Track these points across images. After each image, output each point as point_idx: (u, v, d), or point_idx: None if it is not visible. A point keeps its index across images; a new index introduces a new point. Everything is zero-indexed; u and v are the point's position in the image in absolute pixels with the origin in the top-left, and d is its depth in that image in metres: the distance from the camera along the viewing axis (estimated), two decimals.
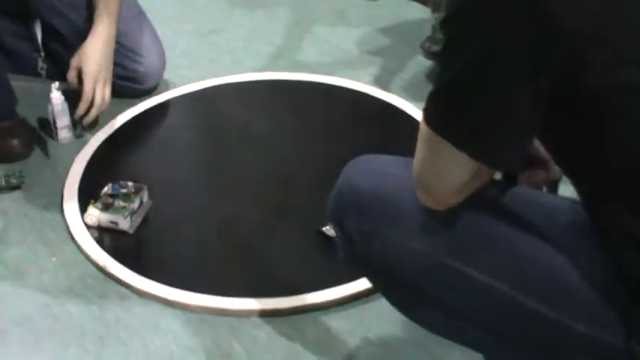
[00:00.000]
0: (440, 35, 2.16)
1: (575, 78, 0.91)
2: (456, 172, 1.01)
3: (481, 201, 1.07)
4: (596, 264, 1.01)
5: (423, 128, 1.01)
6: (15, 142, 1.96)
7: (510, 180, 1.18)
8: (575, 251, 1.03)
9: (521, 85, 0.93)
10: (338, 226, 1.16)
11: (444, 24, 0.97)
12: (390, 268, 1.11)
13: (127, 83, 2.10)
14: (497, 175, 1.15)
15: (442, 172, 1.02)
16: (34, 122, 2.07)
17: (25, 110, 2.04)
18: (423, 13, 2.27)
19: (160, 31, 2.51)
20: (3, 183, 1.84)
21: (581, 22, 0.89)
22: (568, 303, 1.02)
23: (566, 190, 1.11)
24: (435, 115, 0.99)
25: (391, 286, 1.17)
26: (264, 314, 1.53)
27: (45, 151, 1.98)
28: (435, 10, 2.23)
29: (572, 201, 1.08)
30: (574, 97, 0.93)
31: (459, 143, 0.97)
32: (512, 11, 0.91)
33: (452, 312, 1.09)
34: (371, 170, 1.15)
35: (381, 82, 2.26)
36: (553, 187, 1.21)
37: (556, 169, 1.21)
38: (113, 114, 2.09)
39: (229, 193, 1.85)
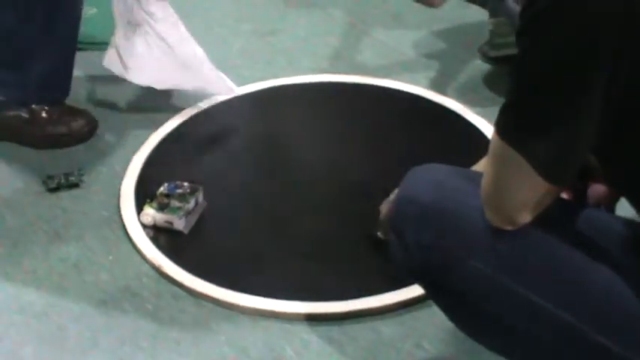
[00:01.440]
0: (498, 40, 2.14)
1: None
2: (526, 188, 0.99)
3: (551, 223, 1.04)
4: None
5: (495, 140, 0.99)
6: (81, 122, 1.98)
7: (580, 199, 1.15)
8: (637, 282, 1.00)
9: (596, 95, 0.91)
10: (397, 236, 1.14)
11: (519, 34, 0.95)
12: (448, 284, 1.09)
13: None
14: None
15: (513, 187, 1.00)
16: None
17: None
18: (482, 15, 2.24)
19: (217, 31, 2.54)
20: (62, 181, 1.87)
21: None
22: (636, 338, 0.99)
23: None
24: (507, 126, 0.98)
25: (447, 300, 1.15)
26: (317, 318, 1.53)
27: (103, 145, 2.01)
28: (492, 16, 2.20)
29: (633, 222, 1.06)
30: None
31: (528, 153, 0.95)
32: (600, 14, 0.89)
33: (510, 335, 1.07)
34: (434, 181, 1.12)
35: (437, 86, 2.25)
36: (613, 201, 1.19)
37: None
38: (169, 113, 2.11)
39: (284, 195, 1.85)
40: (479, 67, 2.27)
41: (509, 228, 1.03)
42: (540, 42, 0.93)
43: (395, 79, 2.26)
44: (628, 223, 1.08)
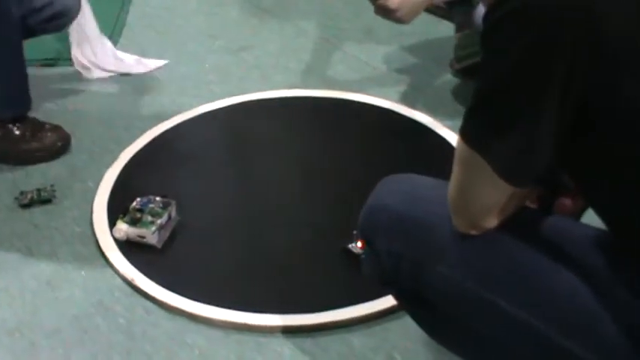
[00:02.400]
0: (461, 52, 2.17)
1: (612, 90, 0.91)
2: (492, 192, 1.01)
3: (516, 230, 1.05)
4: (629, 303, 0.99)
5: (459, 145, 1.01)
6: (54, 137, 1.99)
7: (545, 209, 1.17)
8: (609, 289, 1.01)
9: (554, 98, 0.92)
10: (368, 245, 1.16)
11: (482, 38, 0.97)
12: (418, 291, 1.11)
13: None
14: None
15: (477, 191, 1.02)
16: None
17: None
18: (452, 30, 2.28)
19: (190, 47, 2.55)
20: (35, 197, 1.87)
21: (623, 29, 0.90)
22: (601, 343, 1.00)
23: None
24: (471, 131, 0.99)
25: (418, 308, 1.16)
26: (289, 330, 1.54)
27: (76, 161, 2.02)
28: (458, 30, 2.24)
29: (604, 231, 1.08)
30: (609, 112, 0.92)
31: (491, 156, 0.97)
32: (560, 19, 0.90)
33: (479, 341, 1.08)
34: (404, 191, 1.14)
35: (408, 100, 2.27)
36: (578, 216, 1.20)
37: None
38: (142, 128, 2.12)
39: (256, 209, 1.86)
40: (449, 81, 2.30)
41: (475, 232, 1.05)
42: (501, 46, 0.95)
43: (366, 93, 2.29)
44: (591, 229, 1.10)
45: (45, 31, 2.08)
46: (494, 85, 0.96)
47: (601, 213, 1.02)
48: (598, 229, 1.09)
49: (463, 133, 1.00)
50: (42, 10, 1.99)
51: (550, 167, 1.01)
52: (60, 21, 2.06)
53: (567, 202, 1.20)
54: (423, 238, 1.09)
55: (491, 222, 1.04)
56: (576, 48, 0.90)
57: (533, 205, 1.21)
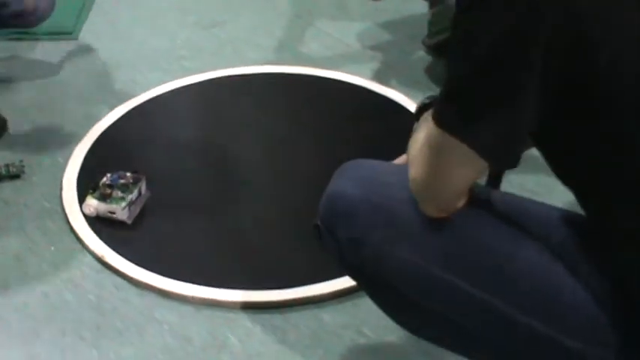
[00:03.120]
0: (434, 28, 2.17)
1: (590, 68, 0.91)
2: (466, 174, 1.00)
3: (475, 210, 1.06)
4: (591, 278, 1.01)
5: (433, 131, 0.98)
6: None
7: (495, 179, 1.18)
8: (572, 265, 1.02)
9: (533, 80, 0.92)
10: (328, 232, 1.15)
11: (455, 20, 0.95)
12: (380, 277, 1.11)
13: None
14: None
15: (453, 175, 1.01)
16: None
17: None
18: (425, 8, 2.27)
19: (161, 22, 2.53)
20: (3, 172, 1.85)
21: (597, 4, 0.89)
22: (561, 319, 1.01)
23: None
24: (448, 116, 0.97)
25: (381, 293, 1.17)
26: (260, 307, 1.54)
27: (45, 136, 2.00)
28: (432, 6, 2.23)
29: (563, 210, 1.08)
30: (585, 90, 0.92)
31: (471, 140, 0.96)
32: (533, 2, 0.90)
33: (442, 322, 1.09)
34: (363, 178, 1.13)
35: (381, 77, 2.27)
36: (496, 178, 1.21)
37: None
38: (113, 104, 2.10)
39: (227, 185, 1.86)
40: (422, 58, 2.30)
41: (444, 214, 1.05)
42: (477, 28, 0.93)
43: (339, 70, 2.28)
44: (548, 206, 1.11)
45: (16, 26, 2.05)
46: (471, 68, 0.95)
47: (575, 191, 1.02)
48: (556, 207, 1.10)
49: (439, 119, 0.98)
50: (8, 5, 1.96)
51: None
52: (29, 18, 2.02)
53: None
54: (384, 223, 1.09)
55: (461, 202, 1.05)
56: (554, 27, 0.90)
57: None
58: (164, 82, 2.21)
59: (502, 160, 0.99)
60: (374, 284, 1.15)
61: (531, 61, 0.91)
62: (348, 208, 1.11)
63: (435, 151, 1.00)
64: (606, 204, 0.98)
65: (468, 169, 0.99)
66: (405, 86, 2.22)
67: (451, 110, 0.97)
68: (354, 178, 1.13)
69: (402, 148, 1.32)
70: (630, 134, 0.93)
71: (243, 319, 1.52)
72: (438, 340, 1.18)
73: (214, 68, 2.28)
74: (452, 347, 1.17)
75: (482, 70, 0.93)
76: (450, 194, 1.03)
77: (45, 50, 2.29)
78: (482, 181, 1.20)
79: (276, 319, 1.52)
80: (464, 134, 0.96)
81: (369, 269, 1.11)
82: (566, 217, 1.08)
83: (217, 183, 1.88)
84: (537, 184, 1.78)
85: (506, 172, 1.26)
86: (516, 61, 0.92)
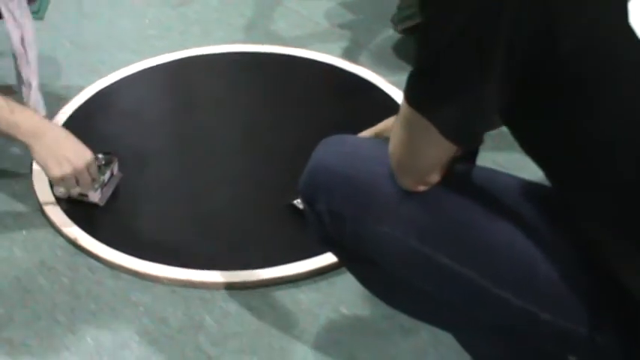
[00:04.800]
0: (403, 13, 2.18)
1: (551, 48, 0.91)
2: (437, 152, 1.01)
3: (453, 184, 1.07)
4: (565, 252, 1.02)
5: (404, 107, 1.00)
6: None
7: (471, 155, 1.19)
8: (544, 238, 1.03)
9: (499, 60, 0.93)
10: (309, 206, 1.16)
11: (422, 3, 0.96)
12: (359, 250, 1.12)
13: None
14: None
15: (423, 151, 1.02)
16: None
17: None
18: None
19: (129, 2, 2.50)
20: None
21: None
22: (534, 291, 1.03)
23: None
24: (416, 94, 0.99)
25: (361, 267, 1.18)
26: (235, 287, 1.55)
27: None
28: None
29: (537, 184, 1.10)
30: (549, 72, 0.93)
31: (437, 120, 0.97)
32: None
33: (422, 297, 1.10)
34: (344, 152, 1.14)
35: (350, 55, 2.27)
36: (472, 154, 1.23)
37: None
38: (82, 85, 2.08)
39: (200, 165, 1.85)
40: (391, 36, 2.30)
41: (421, 189, 1.06)
42: (444, 9, 0.94)
43: (309, 48, 2.27)
44: (523, 180, 1.12)
45: None
46: (437, 48, 0.96)
47: (541, 166, 1.04)
48: (530, 181, 1.12)
49: (408, 97, 1.00)
50: None
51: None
52: None
53: None
54: (364, 196, 1.10)
55: (436, 178, 1.06)
56: (517, 15, 0.91)
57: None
58: (133, 62, 2.19)
59: (464, 140, 1.01)
60: (353, 257, 1.17)
61: (494, 46, 0.92)
62: (328, 182, 1.12)
63: (407, 127, 1.02)
64: (567, 181, 1.00)
65: (436, 146, 1.00)
66: (373, 64, 2.22)
67: (417, 87, 0.99)
68: (335, 152, 1.14)
69: (371, 125, 1.33)
70: (587, 119, 0.94)
71: (219, 300, 1.53)
72: (415, 312, 1.20)
73: (183, 48, 2.26)
74: (428, 319, 1.20)
75: (446, 52, 0.95)
76: (422, 169, 1.05)
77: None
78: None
79: (252, 299, 1.53)
80: (429, 113, 0.98)
81: (349, 242, 1.13)
82: (540, 190, 1.10)
83: (189, 163, 1.87)
84: (508, 160, 1.79)
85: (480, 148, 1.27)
86: (478, 46, 0.93)
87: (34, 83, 1.88)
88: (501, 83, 0.95)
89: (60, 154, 1.61)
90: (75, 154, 1.63)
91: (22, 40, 1.84)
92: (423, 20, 0.98)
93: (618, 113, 0.92)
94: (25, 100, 1.87)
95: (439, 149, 1.01)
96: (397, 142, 1.04)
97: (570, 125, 0.95)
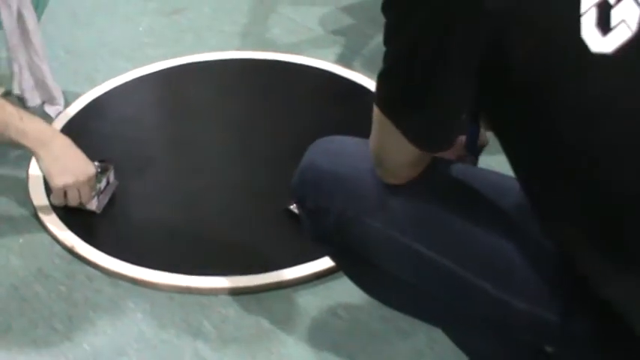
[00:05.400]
0: None
1: (503, 58, 0.92)
2: (403, 151, 1.04)
3: (437, 179, 1.10)
4: (540, 244, 1.04)
5: (375, 109, 1.03)
6: None
7: (473, 142, 1.21)
8: (520, 231, 1.06)
9: (456, 64, 0.94)
10: (300, 204, 1.20)
11: (384, 6, 0.98)
12: (345, 244, 1.14)
13: None
14: None
15: (392, 149, 1.05)
16: None
17: None
18: None
19: (123, 10, 2.51)
20: None
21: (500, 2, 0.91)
22: (509, 282, 1.05)
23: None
24: (382, 97, 1.02)
25: (350, 263, 1.20)
26: (233, 292, 1.55)
27: None
28: None
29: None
30: (504, 79, 0.94)
31: (400, 125, 1.00)
32: None
33: (408, 289, 1.12)
34: (331, 151, 1.18)
35: (345, 61, 2.28)
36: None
37: (482, 136, 1.27)
38: (76, 93, 2.08)
39: (196, 172, 1.86)
40: None
41: (398, 182, 1.09)
42: (400, 16, 0.97)
43: (303, 54, 2.28)
44: (501, 175, 1.13)
45: None
46: (395, 54, 0.98)
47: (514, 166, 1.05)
48: (511, 177, 1.13)
49: (376, 96, 1.03)
50: None
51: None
52: None
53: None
54: (348, 191, 1.13)
55: (410, 173, 1.08)
56: (469, 23, 0.92)
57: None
58: (127, 70, 2.19)
59: (425, 144, 1.03)
60: (342, 253, 1.19)
61: (448, 52, 0.94)
62: (315, 179, 1.16)
63: (378, 125, 1.05)
64: (534, 182, 1.01)
65: (401, 146, 1.03)
66: (367, 69, 2.23)
67: (384, 89, 1.02)
68: (323, 150, 1.18)
69: (366, 130, 1.34)
70: (546, 123, 0.94)
71: (217, 305, 1.53)
72: (403, 307, 1.21)
73: (177, 55, 2.26)
74: (417, 314, 1.21)
75: (404, 58, 0.97)
76: (397, 165, 1.08)
77: (3, 38, 2.25)
78: None
79: (250, 304, 1.53)
80: (392, 114, 1.01)
81: (336, 237, 1.15)
82: (513, 182, 1.11)
83: (185, 170, 1.87)
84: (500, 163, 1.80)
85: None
86: (434, 49, 0.94)
87: (45, 68, 1.94)
88: (461, 87, 0.96)
89: (64, 165, 1.64)
90: (79, 167, 1.65)
91: (24, 28, 1.90)
92: (385, 21, 0.99)
93: (576, 117, 0.92)
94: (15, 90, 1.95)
95: (404, 149, 1.03)
96: (372, 135, 1.08)
97: (533, 129, 0.96)
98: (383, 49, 0.99)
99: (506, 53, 0.92)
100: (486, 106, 1.01)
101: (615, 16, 0.90)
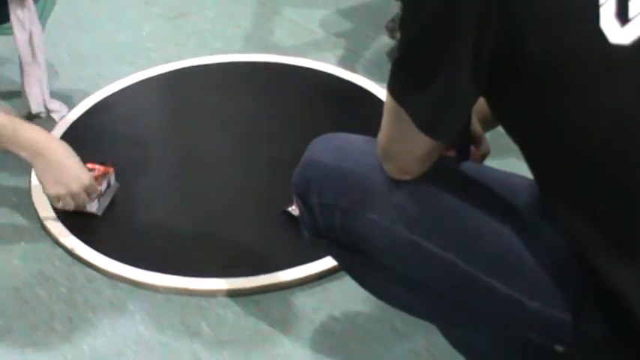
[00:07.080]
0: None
1: (520, 46, 0.92)
2: (418, 144, 1.03)
3: (443, 175, 1.09)
4: (552, 243, 1.03)
5: (388, 98, 1.03)
6: None
7: (463, 155, 1.21)
8: (534, 229, 1.05)
9: (469, 49, 0.94)
10: (301, 200, 1.18)
11: None
12: (351, 241, 1.14)
13: None
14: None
15: (403, 140, 1.04)
16: None
17: None
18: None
19: (126, 15, 2.52)
20: None
21: None
22: (521, 280, 1.04)
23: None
24: (395, 84, 1.01)
25: (351, 258, 1.19)
26: (231, 294, 1.56)
27: None
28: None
29: (526, 178, 1.11)
30: (519, 66, 0.94)
31: (410, 109, 0.99)
32: None
33: (410, 285, 1.11)
34: (334, 146, 1.17)
35: (346, 63, 2.28)
36: (462, 152, 1.25)
37: (485, 145, 1.26)
38: (80, 97, 2.10)
39: (196, 174, 1.87)
40: (386, 43, 2.32)
41: (407, 177, 1.08)
42: (417, 1, 0.97)
43: (305, 57, 2.29)
44: (511, 173, 1.14)
45: None
46: (412, 38, 0.99)
47: (527, 159, 1.05)
48: (518, 175, 1.13)
49: (389, 85, 1.02)
50: None
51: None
52: None
53: (473, 149, 1.26)
54: (353, 187, 1.12)
55: (420, 169, 1.07)
56: (490, 9, 0.92)
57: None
58: (131, 73, 2.20)
59: (435, 130, 1.02)
60: (344, 251, 1.18)
61: (463, 38, 0.94)
62: (318, 175, 1.15)
63: (391, 116, 1.04)
64: (547, 175, 1.01)
65: (413, 136, 1.02)
66: (369, 71, 2.24)
67: (396, 76, 1.02)
68: (326, 146, 1.18)
69: (368, 132, 1.34)
70: (559, 112, 0.95)
71: (215, 307, 1.54)
72: (404, 305, 1.21)
73: (180, 59, 2.28)
74: (418, 311, 1.20)
75: (418, 44, 0.98)
76: (407, 159, 1.07)
77: (8, 43, 2.27)
78: None
79: (247, 305, 1.54)
80: (404, 101, 1.00)
81: (339, 234, 1.15)
82: (528, 182, 1.11)
83: (186, 173, 1.88)
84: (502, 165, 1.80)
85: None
86: (448, 37, 0.95)
87: (44, 80, 1.95)
88: (474, 72, 0.96)
89: (58, 175, 1.64)
90: (73, 177, 1.65)
91: (31, 43, 1.91)
92: (402, 8, 1.00)
93: (594, 108, 0.93)
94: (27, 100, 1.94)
95: (417, 140, 1.02)
96: (382, 128, 1.06)
97: (546, 117, 0.96)
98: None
99: (520, 39, 0.92)
100: (498, 93, 0.99)
101: (633, 7, 0.91)
